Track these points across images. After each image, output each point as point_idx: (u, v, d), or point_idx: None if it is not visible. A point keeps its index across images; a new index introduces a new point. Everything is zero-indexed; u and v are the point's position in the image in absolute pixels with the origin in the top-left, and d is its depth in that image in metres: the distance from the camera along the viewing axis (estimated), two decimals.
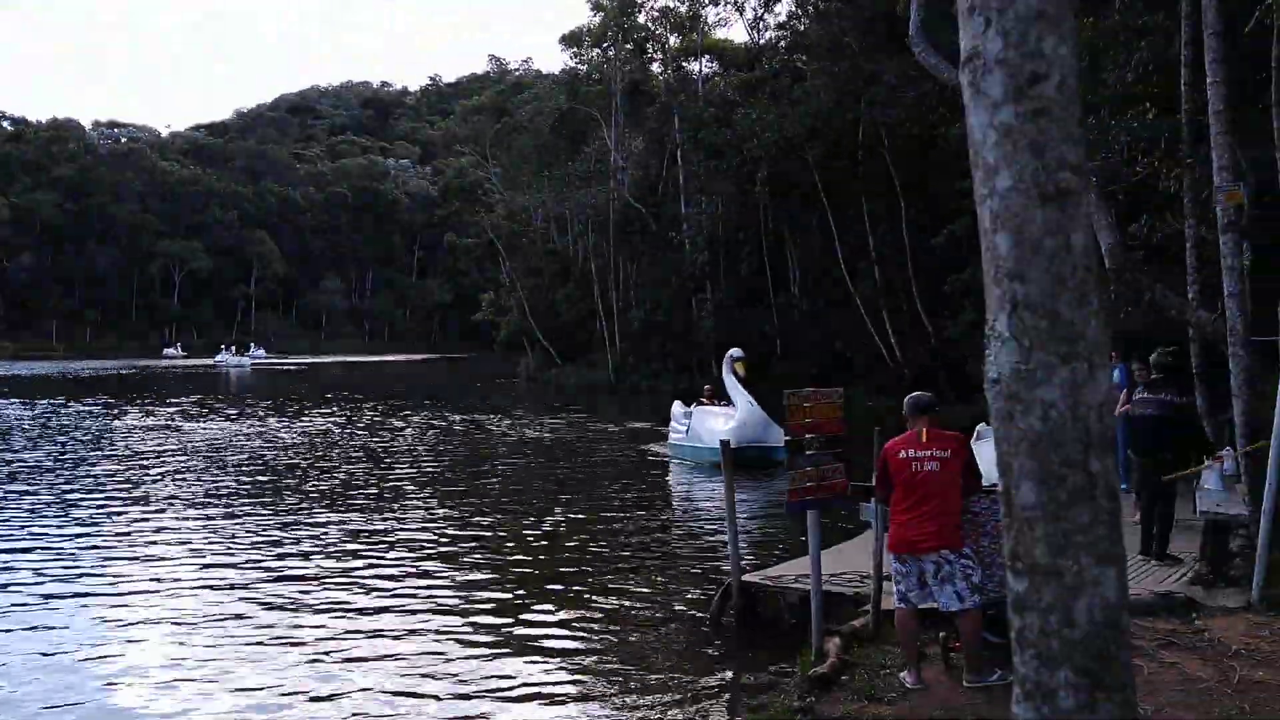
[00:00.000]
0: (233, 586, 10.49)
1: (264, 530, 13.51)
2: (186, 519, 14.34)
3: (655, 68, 56.30)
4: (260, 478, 18.61)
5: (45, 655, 8.23)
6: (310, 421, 30.89)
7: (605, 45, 54.82)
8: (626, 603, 9.85)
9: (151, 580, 10.70)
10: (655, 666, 7.96)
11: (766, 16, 47.11)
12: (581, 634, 8.91)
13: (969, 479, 6.30)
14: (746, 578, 8.97)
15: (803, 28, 42.58)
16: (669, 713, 6.95)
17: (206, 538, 13.01)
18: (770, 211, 41.53)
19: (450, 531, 13.68)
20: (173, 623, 9.12)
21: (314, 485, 17.69)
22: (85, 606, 9.78)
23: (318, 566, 11.45)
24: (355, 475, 18.94)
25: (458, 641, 8.67)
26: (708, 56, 54.30)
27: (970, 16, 1.78)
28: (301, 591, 10.21)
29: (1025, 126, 1.72)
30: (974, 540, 6.41)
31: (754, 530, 13.39)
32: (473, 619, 9.39)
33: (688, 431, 20.63)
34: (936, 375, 29.01)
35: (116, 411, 34.10)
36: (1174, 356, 9.48)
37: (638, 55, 55.20)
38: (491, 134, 65.53)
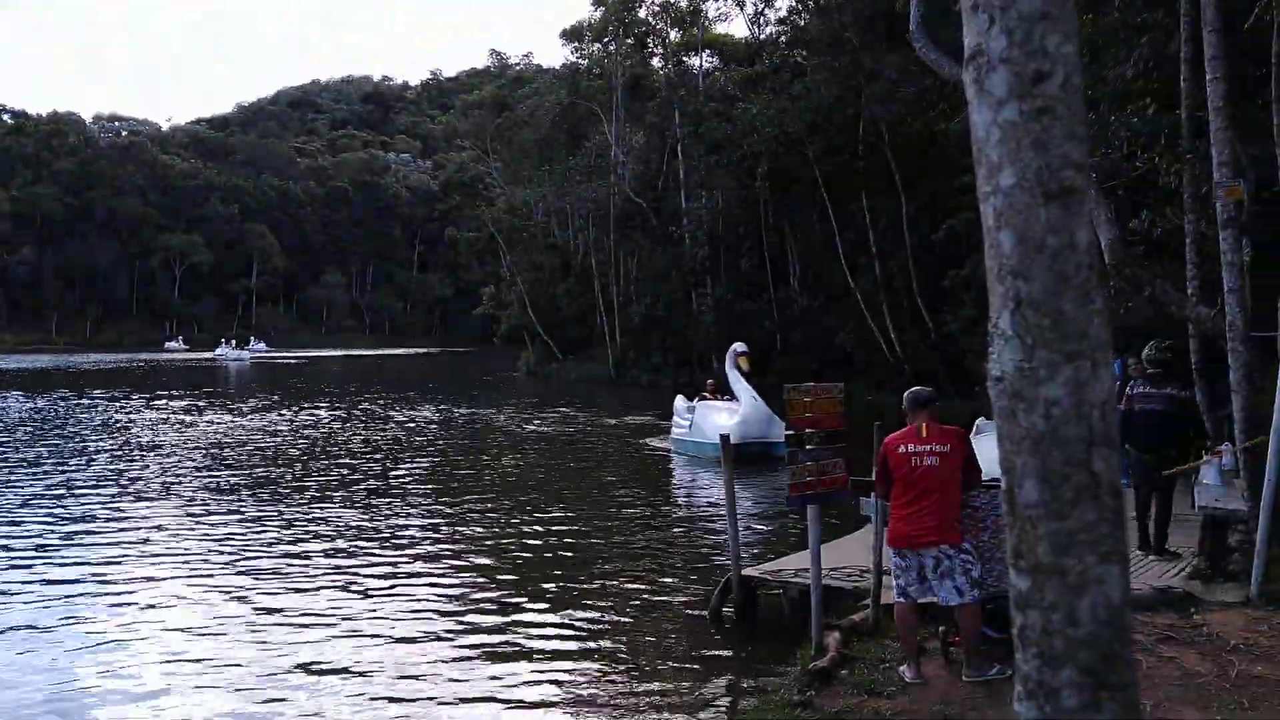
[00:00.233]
0: (233, 577, 10.50)
1: (263, 524, 13.52)
2: (182, 514, 14.33)
3: (656, 62, 56.31)
4: (258, 472, 18.62)
5: (33, 655, 8.19)
6: (309, 415, 30.89)
7: (606, 40, 54.80)
8: (626, 596, 9.86)
9: (145, 579, 10.65)
10: (654, 660, 7.97)
11: (767, 11, 47.00)
12: (581, 627, 8.92)
13: (970, 474, 6.31)
14: (746, 572, 8.97)
15: (803, 23, 42.48)
16: (668, 706, 6.96)
17: (202, 536, 12.95)
18: (770, 206, 41.52)
19: (449, 525, 13.69)
20: (161, 625, 8.99)
21: (312, 479, 17.70)
22: (81, 598, 9.80)
23: (315, 562, 11.44)
24: (353, 470, 18.94)
25: (457, 630, 8.69)
26: (708, 51, 54.25)
27: (974, 14, 1.77)
28: (298, 591, 10.18)
29: (1029, 125, 1.72)
30: (974, 535, 6.41)
31: (754, 525, 13.41)
32: (471, 612, 9.40)
33: (691, 426, 20.59)
34: (936, 370, 29.03)
35: (118, 405, 34.09)
36: (1169, 351, 9.48)
37: (638, 50, 55.19)
38: (492, 128, 65.49)
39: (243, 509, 14.73)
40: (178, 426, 27.11)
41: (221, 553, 11.85)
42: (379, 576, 10.72)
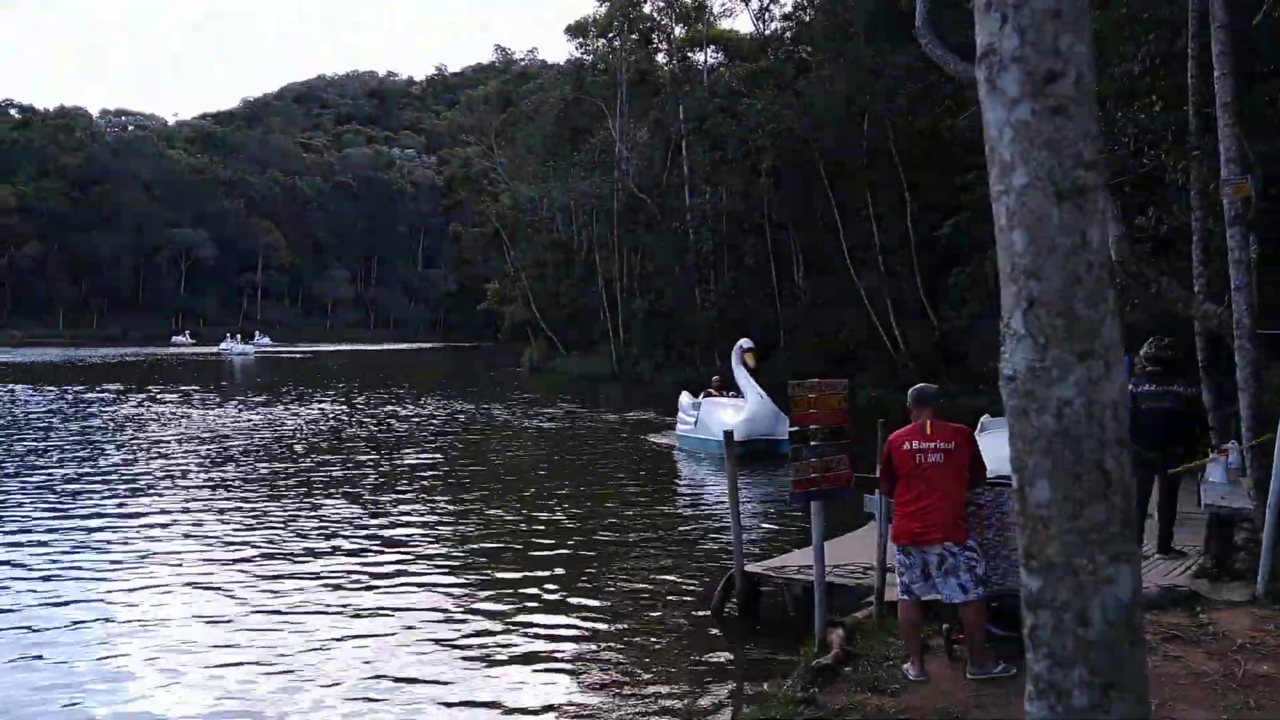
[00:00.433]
0: (233, 573, 10.52)
1: (265, 521, 13.54)
2: (184, 509, 14.33)
3: (660, 58, 56.18)
4: (260, 467, 18.63)
5: (33, 651, 8.19)
6: (313, 409, 30.91)
7: (611, 35, 54.77)
8: (628, 592, 9.87)
9: (146, 574, 10.65)
10: (657, 656, 7.98)
11: (772, 7, 47.03)
12: (583, 623, 8.92)
13: (975, 471, 6.29)
14: (749, 568, 8.97)
15: (808, 19, 42.42)
16: (670, 702, 6.97)
17: (204, 531, 12.93)
18: (774, 202, 41.45)
19: (451, 520, 13.71)
20: (161, 621, 8.98)
21: (314, 475, 17.71)
22: (82, 596, 9.82)
23: (316, 558, 11.45)
24: (356, 466, 18.96)
25: (458, 628, 8.70)
26: (713, 47, 54.11)
27: (986, 12, 1.77)
28: (298, 590, 10.15)
29: (1042, 124, 1.71)
30: (978, 532, 6.40)
31: (758, 521, 13.40)
32: (474, 608, 9.41)
33: (696, 423, 20.57)
34: (940, 367, 28.99)
35: (125, 398, 34.15)
36: (1169, 349, 9.45)
37: (643, 45, 55.11)
38: (497, 124, 65.56)
39: (244, 504, 14.75)
40: (181, 420, 27.13)
41: (222, 548, 11.86)
42: (381, 575, 10.69)
